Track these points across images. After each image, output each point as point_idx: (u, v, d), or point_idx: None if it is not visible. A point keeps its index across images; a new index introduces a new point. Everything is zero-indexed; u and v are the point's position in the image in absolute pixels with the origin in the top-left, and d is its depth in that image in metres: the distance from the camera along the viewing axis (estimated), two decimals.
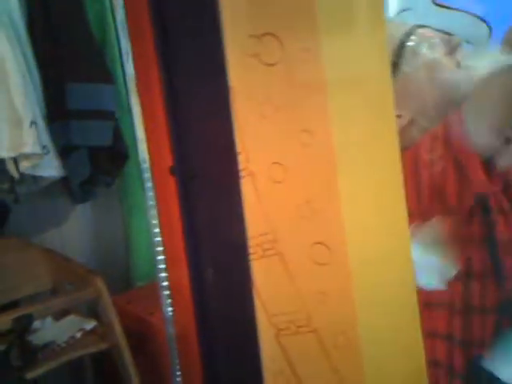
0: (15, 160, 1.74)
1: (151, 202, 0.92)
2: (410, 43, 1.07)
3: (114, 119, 1.90)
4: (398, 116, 1.02)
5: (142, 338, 1.85)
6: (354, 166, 0.73)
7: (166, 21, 0.73)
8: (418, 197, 0.95)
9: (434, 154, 0.94)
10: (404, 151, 1.01)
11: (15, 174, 1.75)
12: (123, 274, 2.25)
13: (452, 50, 1.08)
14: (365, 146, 0.73)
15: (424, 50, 1.06)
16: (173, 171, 0.81)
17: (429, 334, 0.99)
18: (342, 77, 0.72)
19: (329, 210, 0.72)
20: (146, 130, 0.87)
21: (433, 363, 0.99)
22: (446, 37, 1.12)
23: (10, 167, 1.75)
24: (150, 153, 0.89)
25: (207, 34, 0.71)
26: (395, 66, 1.04)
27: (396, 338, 0.75)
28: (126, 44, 0.81)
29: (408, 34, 1.08)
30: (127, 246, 2.26)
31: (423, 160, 0.95)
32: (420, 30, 1.11)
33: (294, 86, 0.72)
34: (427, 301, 0.99)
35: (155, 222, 0.92)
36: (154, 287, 1.00)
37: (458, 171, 0.92)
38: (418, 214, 0.95)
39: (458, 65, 1.06)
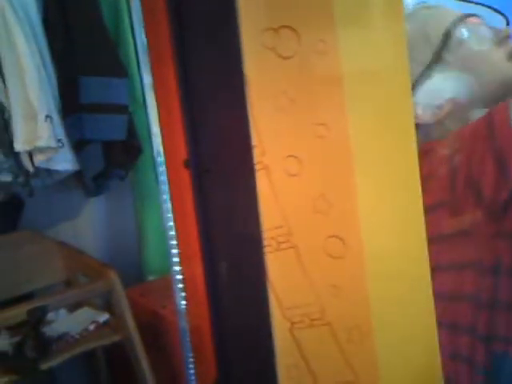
0: (30, 154, 1.75)
1: (165, 196, 0.92)
2: (457, 33, 1.03)
3: (127, 113, 1.91)
4: (439, 106, 1.00)
5: (154, 330, 1.86)
6: (370, 160, 0.72)
7: (182, 14, 0.72)
8: (451, 185, 0.94)
9: (474, 145, 0.92)
10: (438, 141, 1.00)
11: (30, 168, 1.77)
12: (135, 267, 2.27)
13: (501, 41, 1.05)
14: (381, 140, 0.73)
15: (472, 41, 1.03)
16: (187, 164, 0.81)
17: (451, 327, 0.98)
18: (359, 69, 0.72)
19: (344, 203, 0.72)
20: (161, 123, 0.87)
21: (454, 357, 0.98)
22: (495, 28, 1.08)
23: (25, 161, 1.76)
24: (164, 146, 0.89)
25: (223, 26, 0.71)
26: (438, 55, 1.01)
27: (411, 332, 0.75)
28: (140, 37, 0.81)
29: (456, 23, 1.04)
30: (140, 239, 2.27)
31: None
32: (469, 19, 1.07)
33: (310, 79, 0.72)
34: (451, 294, 0.98)
35: (169, 215, 0.92)
36: (165, 280, 1.00)
37: (498, 163, 0.90)
38: (451, 203, 0.94)
39: (509, 57, 1.03)
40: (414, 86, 1.02)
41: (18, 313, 1.60)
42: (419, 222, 0.74)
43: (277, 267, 0.75)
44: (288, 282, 0.76)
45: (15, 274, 1.88)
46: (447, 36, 1.02)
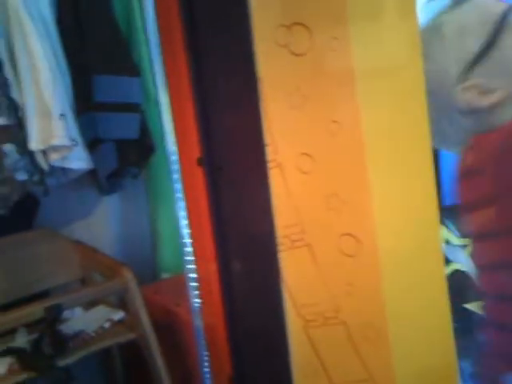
0: (44, 152, 1.76)
1: (179, 194, 0.92)
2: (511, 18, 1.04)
3: (140, 111, 1.91)
4: (492, 90, 1.00)
5: (169, 328, 1.87)
6: (383, 157, 0.72)
7: (195, 12, 0.72)
8: (499, 183, 0.92)
9: None
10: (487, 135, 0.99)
11: (45, 166, 1.78)
12: (150, 265, 2.27)
13: None
14: (394, 137, 0.72)
15: None
16: (201, 162, 0.81)
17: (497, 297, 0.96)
18: (371, 66, 0.72)
19: (357, 201, 0.72)
20: (174, 121, 0.87)
21: (500, 326, 0.97)
22: None
23: (40, 159, 1.77)
24: (177, 145, 0.89)
25: (236, 24, 0.71)
26: (491, 42, 1.02)
27: (426, 331, 0.75)
28: (154, 36, 0.81)
29: (510, 10, 1.06)
30: (154, 237, 2.28)
31: None
32: None
33: (322, 76, 0.71)
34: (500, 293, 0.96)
35: (183, 213, 0.92)
36: (180, 279, 1.01)
37: None
38: (497, 201, 0.92)
39: None
40: (468, 69, 1.02)
41: (35, 311, 1.61)
42: (433, 219, 0.73)
43: (291, 265, 0.75)
44: (302, 280, 0.75)
45: (31, 273, 1.89)
46: (502, 22, 1.03)
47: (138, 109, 1.92)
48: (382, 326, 0.72)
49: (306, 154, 0.72)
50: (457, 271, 1.99)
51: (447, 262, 1.97)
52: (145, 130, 1.98)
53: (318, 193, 0.73)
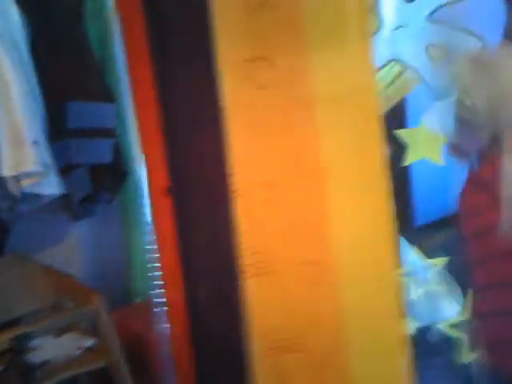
0: (16, 178, 1.76)
1: (148, 220, 0.94)
2: None
3: (114, 137, 1.92)
4: None
5: (140, 354, 1.86)
6: (343, 183, 0.75)
7: (164, 45, 0.75)
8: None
9: None
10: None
11: (16, 193, 1.77)
12: (122, 289, 2.26)
13: None
14: (353, 161, 0.75)
15: None
16: (169, 191, 0.83)
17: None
18: (330, 93, 0.75)
19: (319, 227, 0.74)
20: (144, 151, 0.90)
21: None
22: None
23: (12, 185, 1.77)
24: (147, 172, 0.91)
25: (201, 58, 0.74)
26: None
27: (385, 358, 0.76)
28: (123, 69, 0.84)
29: None
30: (127, 261, 2.27)
31: None
32: None
33: (285, 107, 0.74)
34: None
35: (152, 238, 0.94)
36: (152, 303, 1.02)
37: None
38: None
39: None
40: None
41: (2, 341, 1.59)
42: (391, 241, 0.76)
43: (255, 292, 0.77)
44: (266, 306, 0.77)
45: (1, 300, 1.87)
46: None
47: (112, 134, 1.93)
48: (343, 352, 0.74)
49: (270, 183, 0.74)
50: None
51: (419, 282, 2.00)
52: (119, 155, 1.98)
53: (282, 220, 0.75)
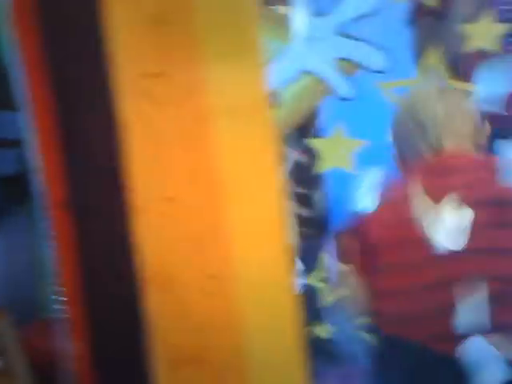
0: None
1: (47, 234, 0.91)
2: None
3: (19, 147, 1.85)
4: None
5: (48, 372, 1.80)
6: (239, 195, 0.76)
7: (56, 58, 0.74)
8: None
9: None
10: None
11: None
12: (32, 304, 2.18)
13: None
14: (250, 175, 0.77)
15: None
16: (66, 205, 0.82)
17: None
18: (226, 107, 0.76)
19: (217, 241, 0.75)
20: (41, 163, 0.87)
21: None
22: None
23: None
24: (45, 186, 0.89)
25: (97, 74, 0.73)
26: None
27: (284, 366, 0.78)
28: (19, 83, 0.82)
29: None
30: (35, 276, 2.20)
31: None
32: None
33: (182, 121, 0.75)
34: None
35: (51, 253, 0.91)
36: (55, 319, 0.99)
37: None
38: None
39: None
40: None
41: None
42: (289, 253, 0.78)
43: (157, 307, 0.77)
44: (168, 321, 0.77)
45: None
46: None
47: (18, 144, 1.86)
48: (243, 365, 0.75)
49: (167, 198, 0.74)
50: None
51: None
52: (26, 166, 1.91)
53: (179, 235, 0.75)
